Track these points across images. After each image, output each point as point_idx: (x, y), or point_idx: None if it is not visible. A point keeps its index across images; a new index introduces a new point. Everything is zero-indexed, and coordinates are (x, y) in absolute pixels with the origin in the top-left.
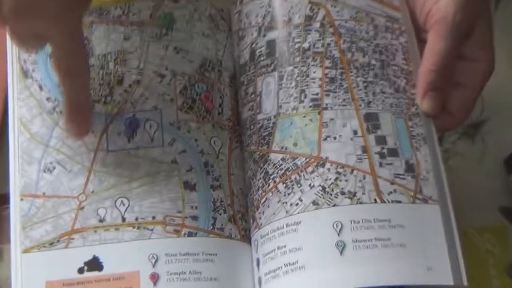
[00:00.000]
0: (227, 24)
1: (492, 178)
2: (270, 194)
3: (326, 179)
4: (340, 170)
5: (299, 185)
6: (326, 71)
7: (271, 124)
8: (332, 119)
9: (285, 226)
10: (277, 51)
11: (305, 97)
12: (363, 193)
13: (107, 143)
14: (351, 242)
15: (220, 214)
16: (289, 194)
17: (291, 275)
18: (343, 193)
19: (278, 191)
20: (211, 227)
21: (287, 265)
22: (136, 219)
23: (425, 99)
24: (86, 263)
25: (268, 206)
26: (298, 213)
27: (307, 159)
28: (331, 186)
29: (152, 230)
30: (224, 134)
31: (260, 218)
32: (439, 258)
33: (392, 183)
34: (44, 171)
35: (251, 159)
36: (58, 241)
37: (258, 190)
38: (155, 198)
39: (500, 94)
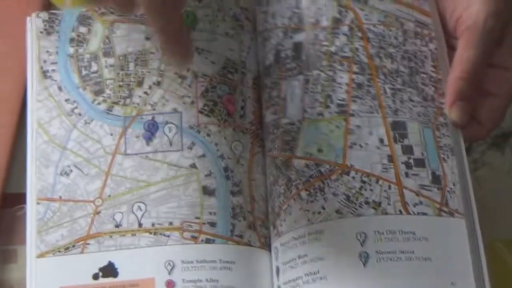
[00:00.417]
0: (252, 24)
1: None
2: (292, 201)
3: (350, 188)
4: (365, 179)
5: (322, 193)
6: (354, 76)
7: (295, 129)
8: (358, 126)
9: (307, 234)
10: (303, 53)
11: (331, 102)
12: (388, 204)
13: (125, 146)
14: (375, 254)
15: (240, 221)
16: (311, 201)
17: (311, 285)
18: (367, 203)
19: (300, 198)
20: (230, 234)
21: (307, 275)
22: (153, 224)
23: (453, 108)
24: (101, 269)
25: (290, 214)
26: (321, 221)
27: (332, 167)
28: (356, 195)
29: (169, 236)
30: (246, 138)
31: (281, 225)
32: (463, 273)
33: (417, 195)
34: (61, 174)
35: (273, 164)
36: (74, 246)
37: (280, 196)
38: (173, 203)
39: None
